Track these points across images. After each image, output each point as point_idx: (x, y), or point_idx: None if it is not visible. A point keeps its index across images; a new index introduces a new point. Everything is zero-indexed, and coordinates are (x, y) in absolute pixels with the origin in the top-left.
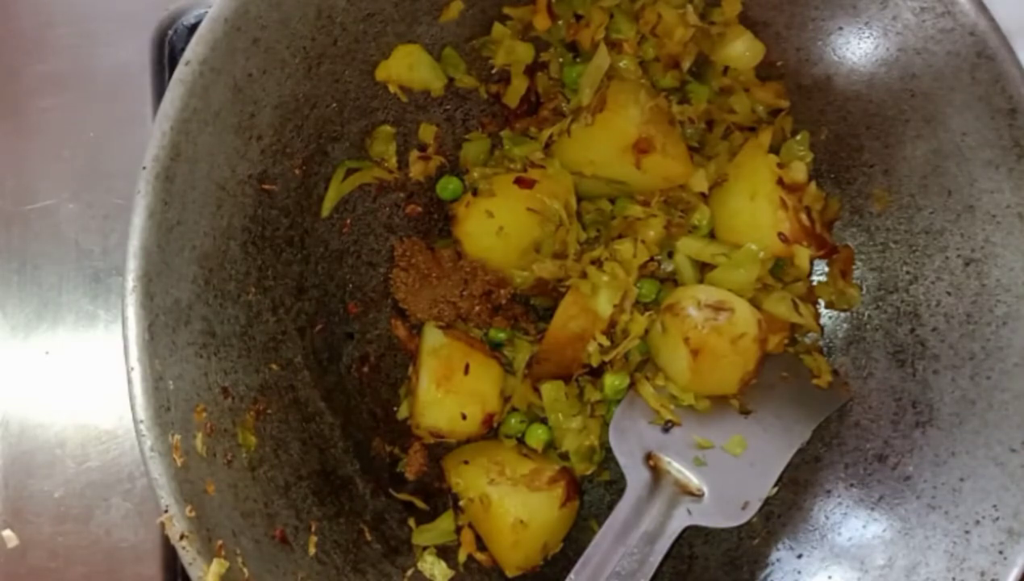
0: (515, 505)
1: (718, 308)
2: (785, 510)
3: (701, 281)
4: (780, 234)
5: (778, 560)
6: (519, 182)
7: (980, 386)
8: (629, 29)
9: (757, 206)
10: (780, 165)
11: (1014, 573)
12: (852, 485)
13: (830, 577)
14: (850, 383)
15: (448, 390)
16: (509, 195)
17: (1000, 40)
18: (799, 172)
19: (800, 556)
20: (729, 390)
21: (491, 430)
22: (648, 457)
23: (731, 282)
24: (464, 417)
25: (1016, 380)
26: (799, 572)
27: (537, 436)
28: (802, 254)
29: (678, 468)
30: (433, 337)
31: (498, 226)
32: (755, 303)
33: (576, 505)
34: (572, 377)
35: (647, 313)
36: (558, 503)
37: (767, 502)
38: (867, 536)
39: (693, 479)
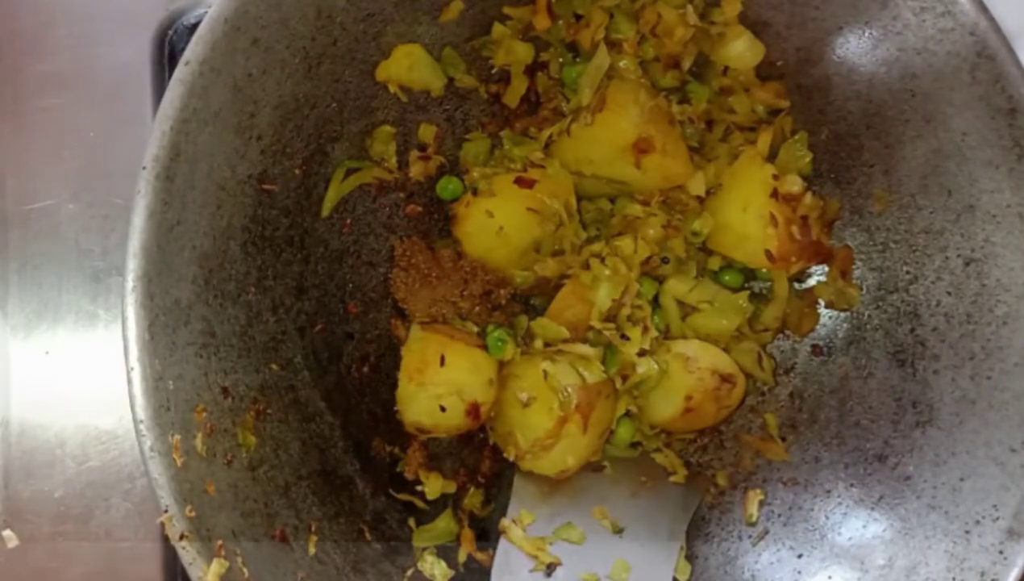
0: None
1: (726, 380)
2: (785, 510)
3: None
4: (767, 252)
5: (778, 560)
6: (519, 182)
7: (980, 386)
8: (629, 29)
9: (748, 219)
10: (776, 176)
11: (1014, 573)
12: (852, 485)
13: (830, 577)
14: (704, 475)
15: (422, 383)
16: (509, 195)
17: (1000, 40)
18: (794, 184)
19: (800, 556)
20: (683, 430)
21: (481, 421)
22: None
23: (711, 328)
24: (443, 409)
25: (1016, 380)
26: (799, 572)
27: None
28: (781, 279)
29: None
30: (412, 332)
31: (498, 226)
32: (725, 350)
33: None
34: None
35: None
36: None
37: (768, 502)
38: (867, 536)
39: None
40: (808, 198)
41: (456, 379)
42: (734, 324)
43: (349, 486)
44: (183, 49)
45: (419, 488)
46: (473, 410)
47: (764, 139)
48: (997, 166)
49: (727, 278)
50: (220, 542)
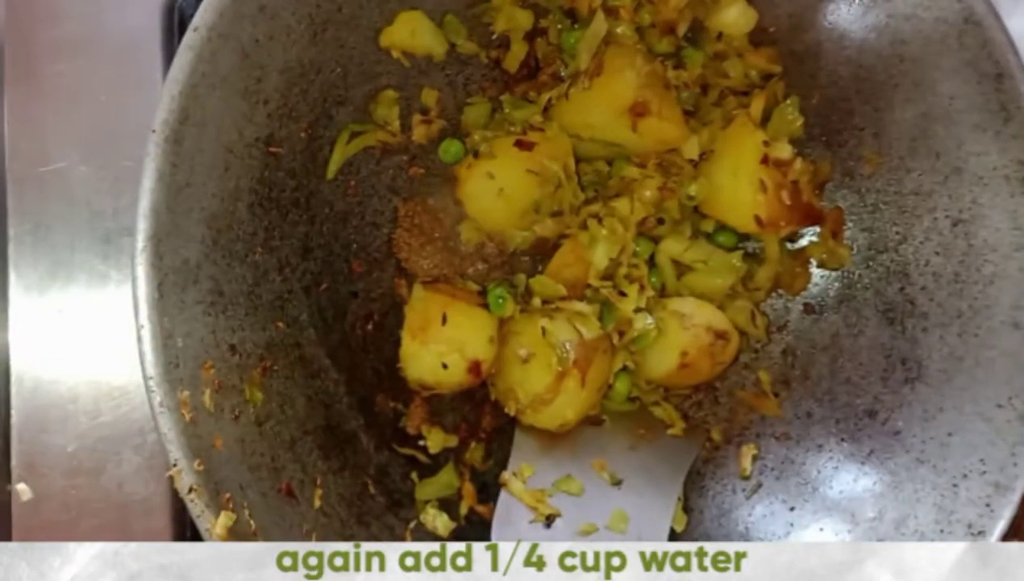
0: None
1: (720, 336)
2: (778, 464)
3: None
4: (756, 217)
5: (771, 513)
6: (519, 145)
7: (968, 343)
8: None
9: (738, 184)
10: (766, 142)
11: (1000, 525)
12: (843, 440)
13: (821, 529)
14: (706, 426)
15: (424, 341)
16: (509, 157)
17: (987, 6)
18: (784, 150)
19: (792, 509)
20: (679, 384)
21: (482, 378)
22: None
23: (706, 287)
24: (445, 366)
25: (1002, 338)
26: (791, 524)
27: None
28: (772, 242)
29: None
30: (415, 292)
31: (498, 188)
32: (720, 308)
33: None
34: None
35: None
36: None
37: (761, 457)
38: (857, 489)
39: None
40: (798, 163)
41: (458, 337)
42: (728, 283)
43: (353, 441)
44: (192, 15)
45: (421, 443)
46: (474, 367)
47: (757, 105)
48: (984, 129)
49: (721, 238)
50: (228, 495)
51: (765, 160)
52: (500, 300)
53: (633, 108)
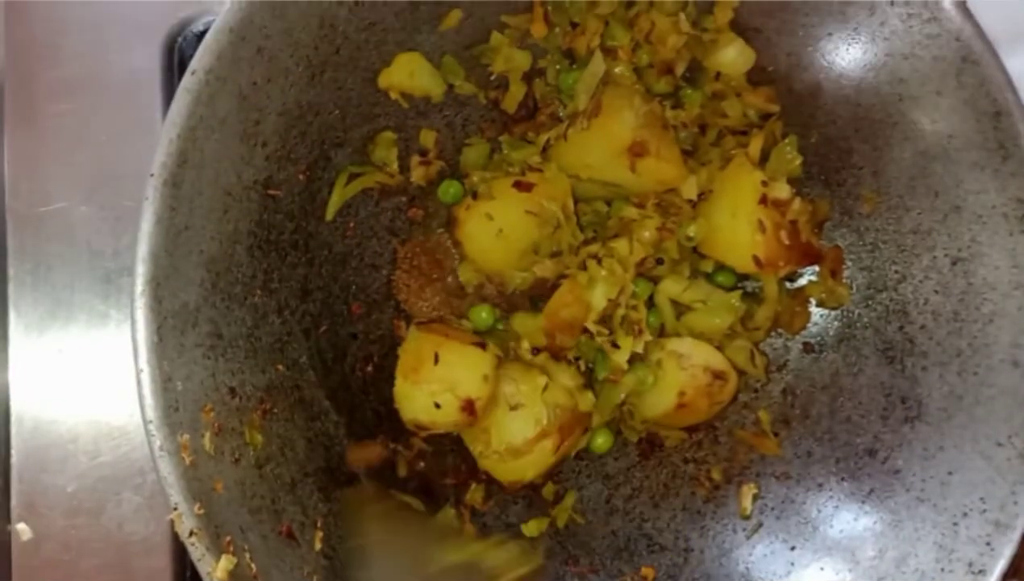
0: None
1: (718, 376)
2: (778, 503)
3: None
4: (755, 257)
5: (772, 552)
6: (518, 186)
7: (967, 382)
8: (624, 36)
9: (737, 225)
10: (765, 182)
11: (1001, 564)
12: (843, 479)
13: (822, 569)
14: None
15: (416, 381)
16: (508, 198)
17: (985, 45)
18: (782, 190)
19: (793, 548)
20: (676, 424)
21: (477, 417)
22: None
23: (705, 326)
24: (438, 406)
25: (1002, 376)
26: (792, 564)
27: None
28: (771, 281)
29: None
30: (409, 333)
31: (497, 228)
32: (719, 348)
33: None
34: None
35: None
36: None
37: (761, 496)
38: (858, 528)
39: None
40: (796, 203)
41: (449, 376)
42: (727, 323)
43: (353, 483)
44: (192, 56)
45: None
46: (468, 406)
47: (755, 144)
48: (983, 168)
49: (720, 278)
50: (228, 538)
51: (764, 200)
52: (482, 314)
53: (631, 148)
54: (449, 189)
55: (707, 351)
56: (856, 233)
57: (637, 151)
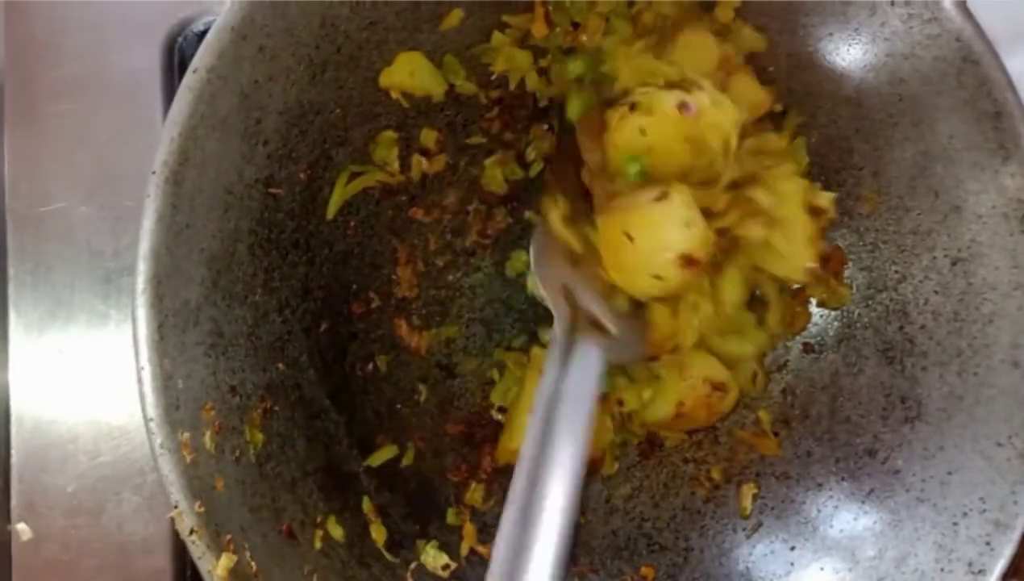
0: None
1: (718, 388)
2: (778, 503)
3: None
4: (809, 269)
5: (771, 552)
6: (682, 108)
7: (967, 382)
8: (626, 31)
9: (792, 235)
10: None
11: (1001, 564)
12: (843, 479)
13: (822, 568)
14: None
15: (623, 269)
16: (667, 119)
17: (985, 45)
18: (825, 198)
19: (793, 548)
20: (675, 430)
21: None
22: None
23: (734, 350)
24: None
25: (1002, 376)
26: (792, 564)
27: None
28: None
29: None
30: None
31: (647, 146)
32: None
33: None
34: None
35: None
36: None
37: (761, 496)
38: (858, 528)
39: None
40: (832, 213)
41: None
42: (756, 349)
43: (354, 481)
44: (192, 55)
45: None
46: (687, 262)
47: (800, 154)
48: (983, 168)
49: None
50: (229, 537)
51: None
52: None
53: (721, 64)
54: (577, 101)
55: (708, 362)
56: (856, 233)
57: (727, 68)
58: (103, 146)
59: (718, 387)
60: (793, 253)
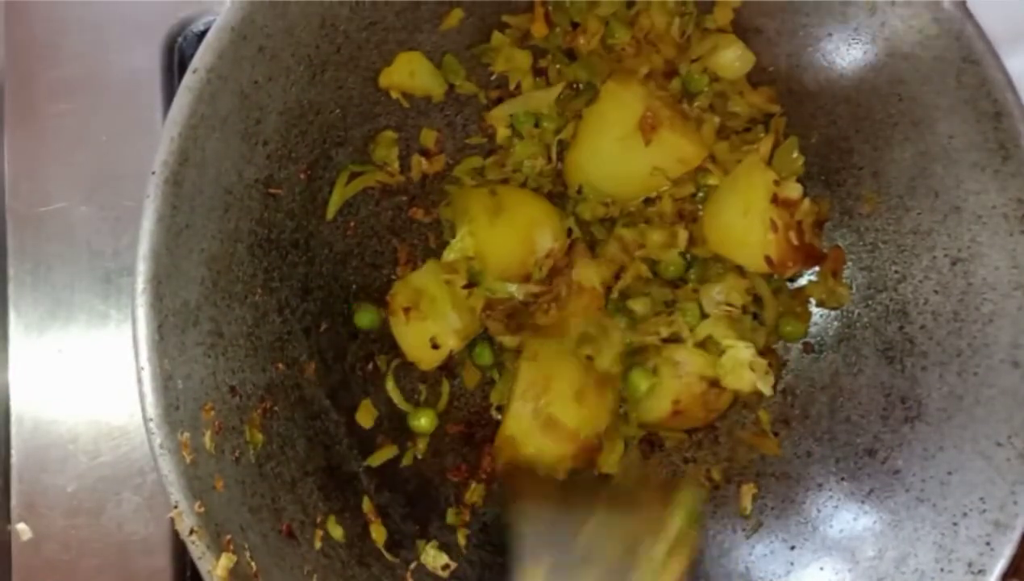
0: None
1: (714, 385)
2: (778, 503)
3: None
4: (767, 257)
5: (771, 552)
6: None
7: (967, 382)
8: (624, 35)
9: (749, 224)
10: (776, 182)
11: (1000, 564)
12: (843, 479)
13: (822, 568)
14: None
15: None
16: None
17: (985, 45)
18: (794, 190)
19: (793, 548)
20: (671, 429)
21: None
22: None
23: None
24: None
25: (1002, 376)
26: (792, 563)
27: None
28: (763, 285)
29: None
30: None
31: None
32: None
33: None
34: None
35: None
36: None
37: (761, 496)
38: (858, 528)
39: None
40: (806, 204)
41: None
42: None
43: (353, 481)
44: (192, 55)
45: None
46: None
47: (767, 143)
48: (983, 168)
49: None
50: (228, 537)
51: (775, 199)
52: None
53: (643, 121)
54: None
55: (704, 360)
56: (856, 233)
57: (650, 123)
58: (103, 146)
59: (714, 384)
60: (752, 242)
